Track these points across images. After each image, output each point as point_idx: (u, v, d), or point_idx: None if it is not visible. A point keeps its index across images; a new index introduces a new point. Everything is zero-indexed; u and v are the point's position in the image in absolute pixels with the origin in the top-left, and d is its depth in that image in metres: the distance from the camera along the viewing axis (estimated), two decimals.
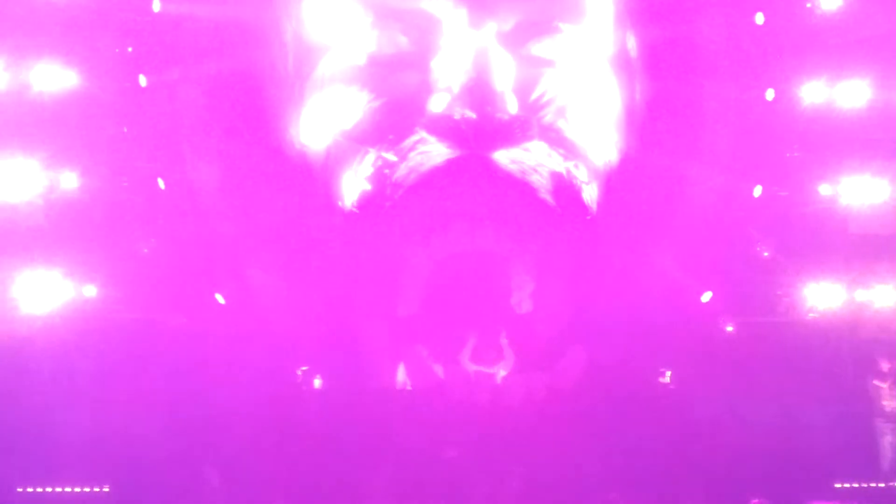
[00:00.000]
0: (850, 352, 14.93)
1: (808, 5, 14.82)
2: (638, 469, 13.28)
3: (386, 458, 13.31)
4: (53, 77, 13.54)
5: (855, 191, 14.83)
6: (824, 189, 14.80)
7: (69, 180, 13.62)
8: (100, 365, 13.43)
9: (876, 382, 14.68)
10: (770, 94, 14.60)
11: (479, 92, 13.66)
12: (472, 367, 14.22)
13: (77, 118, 13.52)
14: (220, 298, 14.11)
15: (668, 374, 14.63)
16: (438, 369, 14.19)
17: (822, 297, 14.76)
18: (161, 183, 13.97)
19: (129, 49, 13.81)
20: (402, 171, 13.83)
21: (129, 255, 13.84)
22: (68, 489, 13.32)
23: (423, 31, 13.99)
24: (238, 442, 13.15)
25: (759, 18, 14.51)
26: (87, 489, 13.33)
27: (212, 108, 13.93)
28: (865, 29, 14.80)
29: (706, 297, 14.59)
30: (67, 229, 13.61)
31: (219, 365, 13.50)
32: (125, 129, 13.76)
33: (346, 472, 13.12)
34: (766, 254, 14.83)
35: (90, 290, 13.71)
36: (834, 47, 14.79)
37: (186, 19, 13.89)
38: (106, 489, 13.33)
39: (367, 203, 13.93)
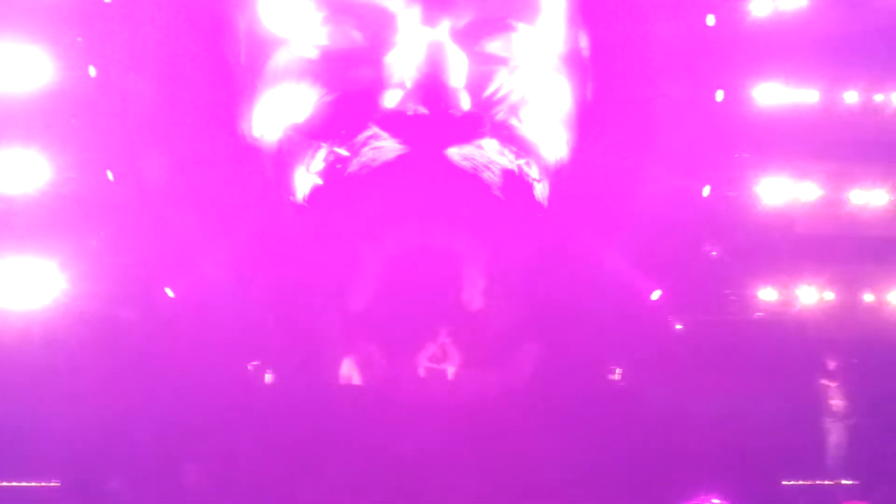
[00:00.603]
0: (797, 351, 15.10)
1: (759, 8, 14.97)
2: (590, 466, 13.34)
3: (336, 453, 13.28)
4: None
5: (802, 192, 15.04)
6: (772, 189, 14.96)
7: (16, 172, 13.43)
8: (47, 358, 13.27)
9: (823, 381, 14.87)
10: (720, 95, 14.76)
11: (431, 88, 13.68)
12: (424, 364, 14.24)
13: (24, 109, 13.35)
14: (169, 292, 14.01)
15: (618, 371, 14.73)
16: (390, 365, 14.19)
17: (770, 296, 14.93)
18: (110, 175, 13.84)
19: (79, 39, 13.66)
20: (354, 166, 13.85)
21: (78, 248, 13.66)
22: (16, 483, 13.16)
23: (376, 26, 13.99)
24: (187, 436, 13.07)
25: (710, 20, 14.68)
26: (35, 483, 13.18)
27: (163, 99, 13.85)
28: (816, 31, 15.00)
29: (655, 295, 14.71)
30: (13, 221, 13.43)
31: (168, 359, 13.40)
32: (74, 121, 13.60)
33: (297, 467, 13.07)
34: (714, 253, 14.96)
35: (38, 283, 13.53)
36: (784, 49, 14.98)
37: (138, 10, 13.81)
38: (55, 483, 13.18)
39: (319, 198, 13.93)
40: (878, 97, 15.13)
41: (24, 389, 13.03)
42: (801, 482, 14.48)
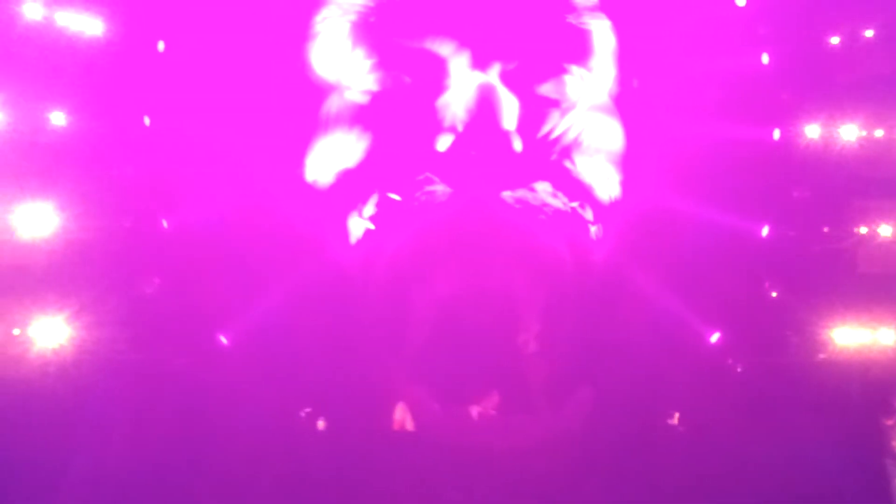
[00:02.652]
0: (862, 393, 14.73)
1: (814, 45, 14.81)
2: None
3: (389, 500, 13.14)
4: (60, 116, 13.56)
5: (863, 230, 14.76)
6: (832, 228, 14.70)
7: (75, 220, 13.55)
8: (102, 407, 13.28)
9: (888, 423, 14.47)
10: (776, 134, 14.56)
11: (483, 132, 13.73)
12: (477, 409, 14.07)
13: (83, 157, 13.52)
14: (223, 339, 14.02)
15: (677, 415, 14.44)
16: (443, 411, 14.05)
17: (832, 337, 14.59)
18: (165, 223, 13.93)
19: (135, 89, 13.83)
20: (406, 211, 13.87)
21: (133, 295, 13.74)
22: None
23: (427, 70, 14.06)
24: (240, 485, 13.00)
25: (765, 58, 14.53)
26: None
27: (217, 146, 13.96)
28: (871, 68, 14.79)
29: (714, 337, 14.45)
30: (72, 269, 13.53)
31: (221, 406, 13.37)
32: (130, 169, 13.74)
33: None
34: (774, 294, 14.68)
35: (93, 331, 13.57)
36: (840, 86, 14.79)
37: (190, 58, 13.98)
38: None
39: (372, 243, 13.94)
40: None
41: (74, 437, 13.04)
42: None
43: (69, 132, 13.55)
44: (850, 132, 14.79)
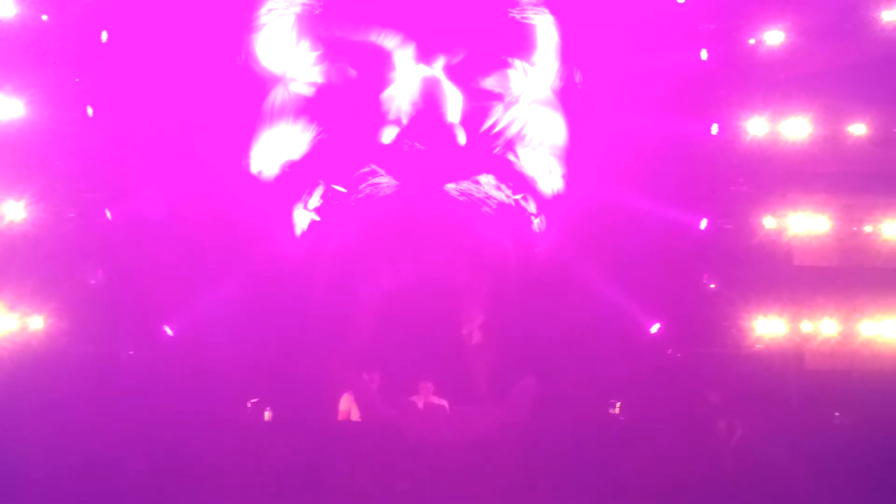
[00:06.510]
0: (796, 382, 15.05)
1: (752, 42, 15.09)
2: (589, 500, 13.22)
3: (336, 490, 13.18)
4: (2, 107, 13.44)
5: (798, 223, 15.05)
6: (769, 222, 14.97)
7: (15, 211, 13.46)
8: (47, 397, 13.18)
9: (822, 412, 14.76)
10: (715, 129, 14.82)
11: (428, 125, 13.83)
12: (423, 400, 14.17)
13: (24, 148, 13.41)
14: (168, 331, 13.99)
15: (618, 405, 14.64)
16: (388, 402, 14.13)
17: (768, 328, 14.88)
18: (108, 214, 13.87)
19: (77, 80, 13.75)
20: (351, 203, 13.92)
21: (77, 287, 13.65)
22: None
23: (372, 63, 14.14)
24: (186, 475, 12.96)
25: (704, 55, 14.78)
26: None
27: (160, 138, 13.91)
28: (808, 65, 15.10)
29: (654, 328, 14.67)
30: (14, 260, 13.43)
31: (167, 397, 13.33)
32: (73, 160, 13.65)
33: None
34: (712, 286, 14.92)
35: (37, 322, 13.50)
36: (777, 83, 15.07)
37: (134, 49, 13.92)
38: None
39: (317, 235, 13.98)
40: (870, 129, 15.19)
41: (23, 427, 12.93)
42: None
43: (12, 123, 13.43)
44: (787, 128, 15.10)
